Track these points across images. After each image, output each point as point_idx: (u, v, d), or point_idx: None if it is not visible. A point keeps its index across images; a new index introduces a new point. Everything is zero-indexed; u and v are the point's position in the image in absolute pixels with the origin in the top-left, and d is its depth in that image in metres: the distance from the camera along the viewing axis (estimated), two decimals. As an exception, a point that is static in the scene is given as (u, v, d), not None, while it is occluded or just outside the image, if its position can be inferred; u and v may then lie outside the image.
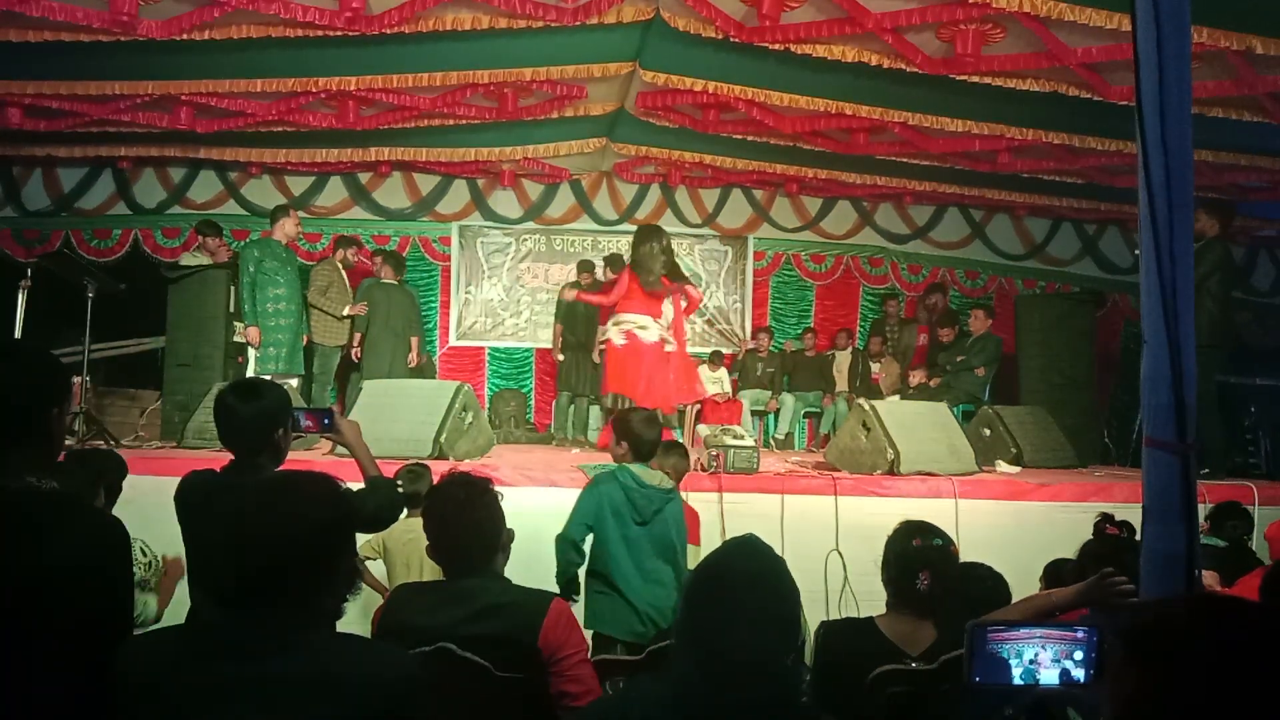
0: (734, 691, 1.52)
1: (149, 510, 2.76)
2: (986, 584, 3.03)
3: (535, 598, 2.31)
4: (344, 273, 8.06)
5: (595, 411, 8.59)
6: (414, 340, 8.20)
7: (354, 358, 8.03)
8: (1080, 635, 1.95)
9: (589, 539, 3.74)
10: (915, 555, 2.49)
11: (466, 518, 2.32)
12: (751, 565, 1.64)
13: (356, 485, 2.63)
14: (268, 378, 5.96)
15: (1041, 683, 1.92)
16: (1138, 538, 1.94)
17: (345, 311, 7.78)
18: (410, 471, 4.15)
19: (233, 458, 2.71)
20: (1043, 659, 1.93)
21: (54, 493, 1.66)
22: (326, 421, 2.86)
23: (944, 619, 2.48)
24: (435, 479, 4.17)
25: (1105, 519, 3.02)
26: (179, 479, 2.69)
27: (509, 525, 2.46)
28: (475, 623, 2.23)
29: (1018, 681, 1.92)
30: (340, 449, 3.61)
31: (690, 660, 1.59)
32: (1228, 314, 6.54)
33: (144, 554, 3.32)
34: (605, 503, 3.69)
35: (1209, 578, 3.48)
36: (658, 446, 3.93)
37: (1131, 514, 2.30)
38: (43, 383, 1.70)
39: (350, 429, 2.89)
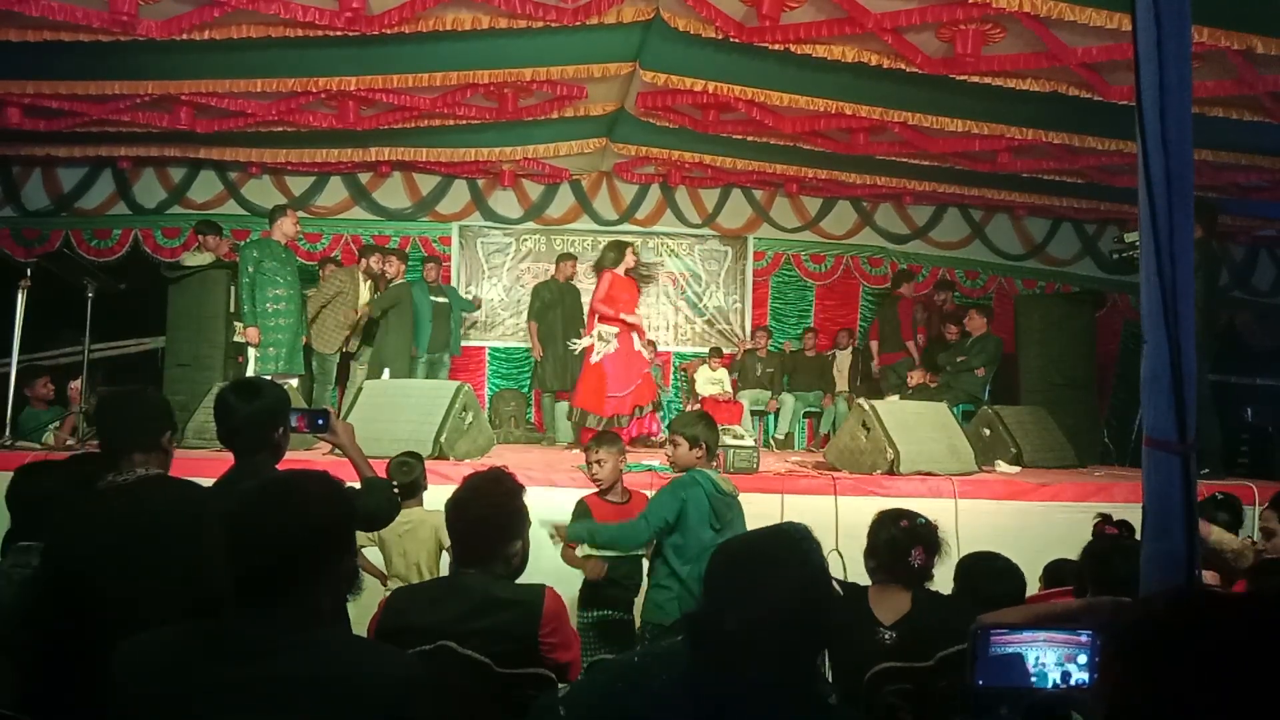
0: (740, 672, 1.53)
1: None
2: (1004, 577, 3.03)
3: (530, 591, 2.36)
4: (361, 284, 7.87)
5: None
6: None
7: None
8: (1084, 639, 1.92)
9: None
10: (905, 536, 2.72)
11: (479, 505, 2.37)
12: (778, 550, 1.62)
13: (352, 484, 2.63)
14: (268, 377, 5.97)
15: (1045, 686, 1.91)
16: (1137, 537, 1.93)
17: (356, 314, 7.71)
18: (403, 464, 4.14)
19: (233, 457, 2.71)
20: (1047, 662, 1.91)
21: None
22: (320, 422, 2.86)
23: (922, 591, 2.73)
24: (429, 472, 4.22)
25: (1104, 519, 3.02)
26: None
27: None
28: (474, 619, 2.24)
29: (1021, 684, 1.90)
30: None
31: (703, 636, 1.59)
32: (1206, 319, 6.53)
33: None
34: (691, 508, 3.70)
35: (1209, 577, 3.47)
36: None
37: (1131, 514, 2.29)
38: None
39: (345, 431, 2.90)
